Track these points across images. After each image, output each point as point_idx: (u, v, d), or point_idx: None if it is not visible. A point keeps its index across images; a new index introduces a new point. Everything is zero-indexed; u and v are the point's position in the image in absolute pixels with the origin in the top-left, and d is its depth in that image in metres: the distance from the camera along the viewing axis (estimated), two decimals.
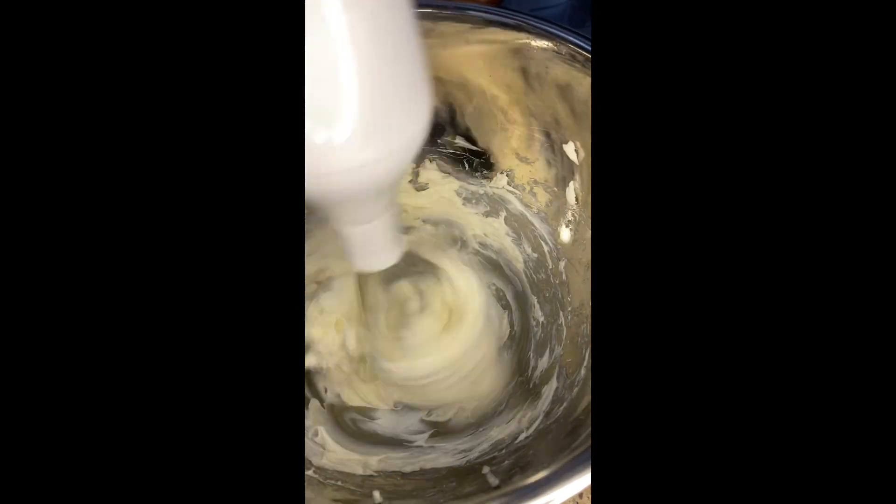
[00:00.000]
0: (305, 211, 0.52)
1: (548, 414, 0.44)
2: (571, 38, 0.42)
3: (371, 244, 0.31)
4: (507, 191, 0.53)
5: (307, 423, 0.45)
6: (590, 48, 0.42)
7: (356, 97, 0.22)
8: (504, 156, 0.52)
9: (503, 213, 0.54)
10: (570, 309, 0.49)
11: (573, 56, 0.42)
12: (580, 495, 0.31)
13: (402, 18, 0.23)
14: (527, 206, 0.53)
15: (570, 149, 0.47)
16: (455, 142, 0.52)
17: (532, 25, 0.43)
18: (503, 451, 0.42)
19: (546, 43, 0.43)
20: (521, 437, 0.43)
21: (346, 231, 0.29)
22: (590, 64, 0.42)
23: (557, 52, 0.43)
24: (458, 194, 0.55)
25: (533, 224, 0.53)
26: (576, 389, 0.43)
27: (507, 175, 0.53)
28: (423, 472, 0.42)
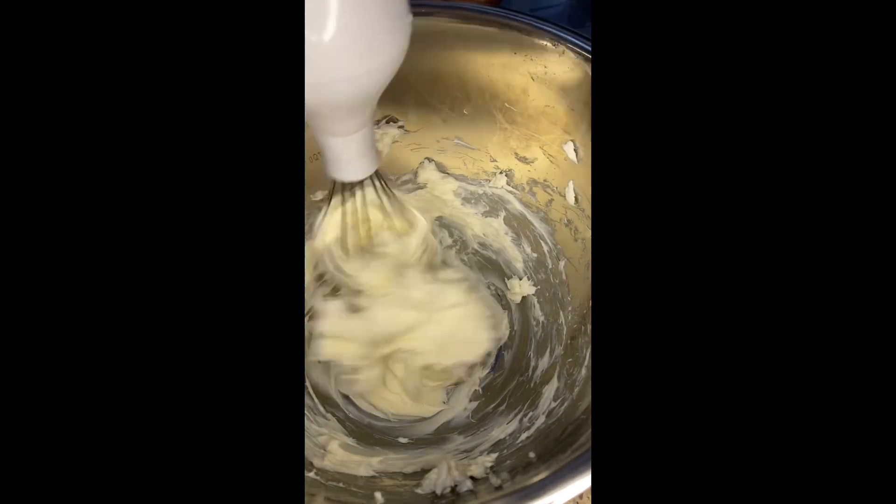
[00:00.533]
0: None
1: (548, 414, 0.44)
2: (571, 38, 0.42)
3: (350, 155, 0.34)
4: (507, 191, 0.53)
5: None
6: (589, 48, 0.41)
7: (345, 12, 0.25)
8: (503, 156, 0.52)
9: (502, 213, 0.54)
10: (570, 309, 0.49)
11: (573, 56, 0.42)
12: (580, 496, 0.31)
13: None
14: (526, 205, 0.53)
15: (569, 148, 0.47)
16: None
17: (532, 25, 0.43)
18: (504, 451, 0.42)
19: (546, 43, 0.43)
20: (523, 437, 0.43)
21: (328, 141, 0.33)
22: (589, 64, 0.42)
23: (557, 52, 0.43)
24: (457, 194, 0.55)
25: (532, 224, 0.53)
26: (576, 389, 0.43)
27: (506, 175, 0.53)
28: (424, 472, 0.42)
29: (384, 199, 0.43)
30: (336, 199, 0.43)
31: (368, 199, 0.43)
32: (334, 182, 0.40)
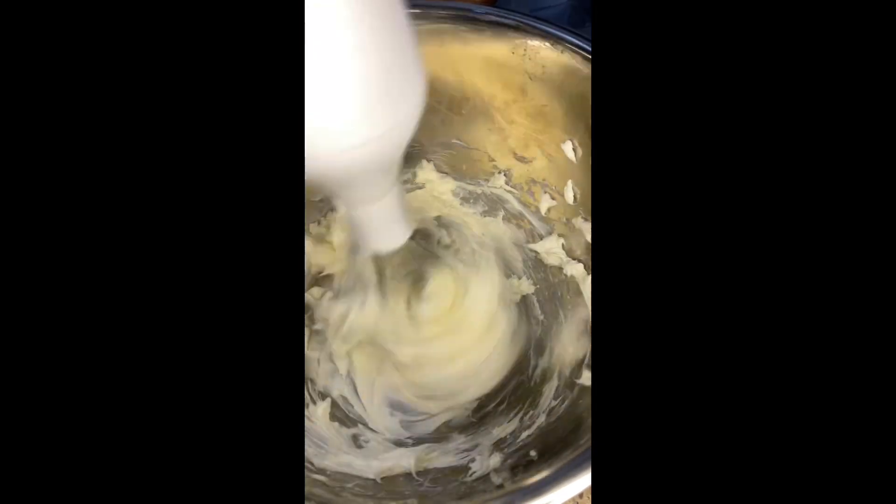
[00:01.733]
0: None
1: (549, 412, 0.44)
2: (571, 39, 0.42)
3: (381, 222, 0.32)
4: (505, 190, 0.53)
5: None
6: (589, 48, 0.42)
7: (354, 77, 0.23)
8: (502, 155, 0.52)
9: (501, 213, 0.54)
10: (570, 307, 0.49)
11: (573, 56, 0.42)
12: (580, 495, 0.31)
13: (394, 14, 0.24)
14: (525, 205, 0.53)
15: (567, 148, 0.47)
16: None
17: (532, 25, 0.43)
18: (505, 450, 0.42)
19: (545, 43, 0.43)
20: (523, 436, 0.43)
21: (357, 212, 0.30)
22: (588, 63, 0.42)
23: (557, 53, 0.43)
24: (456, 194, 0.55)
25: (531, 223, 0.53)
26: (577, 388, 0.43)
27: (504, 175, 0.53)
28: (426, 472, 0.42)
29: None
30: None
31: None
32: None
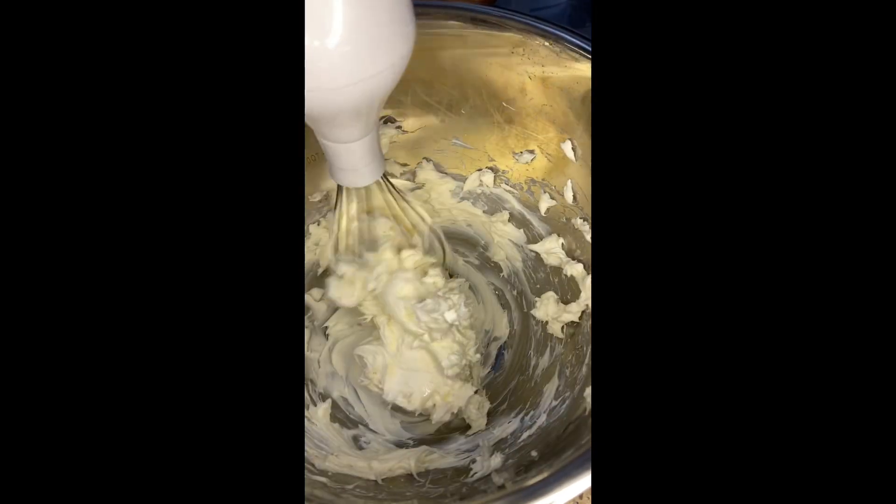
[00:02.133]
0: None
1: (550, 412, 0.44)
2: (571, 39, 0.42)
3: (356, 161, 0.33)
4: (505, 190, 0.53)
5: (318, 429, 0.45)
6: (589, 48, 0.42)
7: (346, 21, 0.24)
8: (501, 155, 0.52)
9: (501, 213, 0.54)
10: (570, 307, 0.49)
11: (572, 56, 0.42)
12: (580, 496, 0.31)
13: None
14: (525, 204, 0.53)
15: (567, 147, 0.47)
16: None
17: (532, 25, 0.43)
18: (506, 450, 0.42)
19: (545, 43, 0.43)
20: (524, 436, 0.43)
21: (333, 148, 0.32)
22: (587, 63, 0.42)
23: (556, 52, 0.43)
24: (455, 194, 0.55)
25: (531, 223, 0.53)
26: (577, 388, 0.43)
27: (504, 174, 0.53)
28: (427, 473, 0.42)
29: (393, 201, 0.43)
30: (342, 203, 0.42)
31: (375, 204, 0.42)
32: (339, 186, 0.40)
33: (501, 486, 0.37)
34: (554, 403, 0.45)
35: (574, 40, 0.42)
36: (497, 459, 0.41)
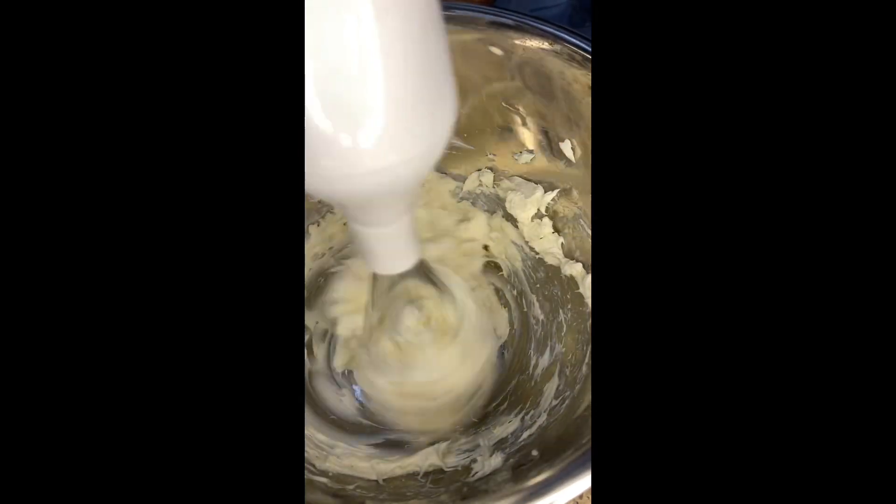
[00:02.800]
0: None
1: (550, 412, 0.44)
2: (571, 39, 0.42)
3: (388, 247, 0.30)
4: (506, 186, 0.53)
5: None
6: (589, 48, 0.42)
7: (384, 96, 0.21)
8: (501, 155, 0.52)
9: (500, 212, 0.54)
10: (569, 307, 0.49)
11: (572, 56, 0.42)
12: (580, 496, 0.31)
13: (431, 12, 0.22)
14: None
15: (566, 147, 0.47)
16: None
17: (532, 25, 0.43)
18: (506, 449, 0.42)
19: (545, 43, 0.43)
20: (525, 435, 0.43)
21: (364, 232, 0.28)
22: (588, 63, 0.42)
23: (556, 53, 0.43)
24: (454, 194, 0.55)
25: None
26: (577, 387, 0.44)
27: (504, 174, 0.53)
28: (428, 473, 0.42)
29: (429, 288, 0.40)
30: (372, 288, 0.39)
31: (408, 290, 0.40)
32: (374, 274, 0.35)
33: (502, 486, 0.37)
34: (554, 403, 0.45)
35: (574, 40, 0.42)
36: (497, 459, 0.41)
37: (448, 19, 0.44)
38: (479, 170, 0.54)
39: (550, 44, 0.43)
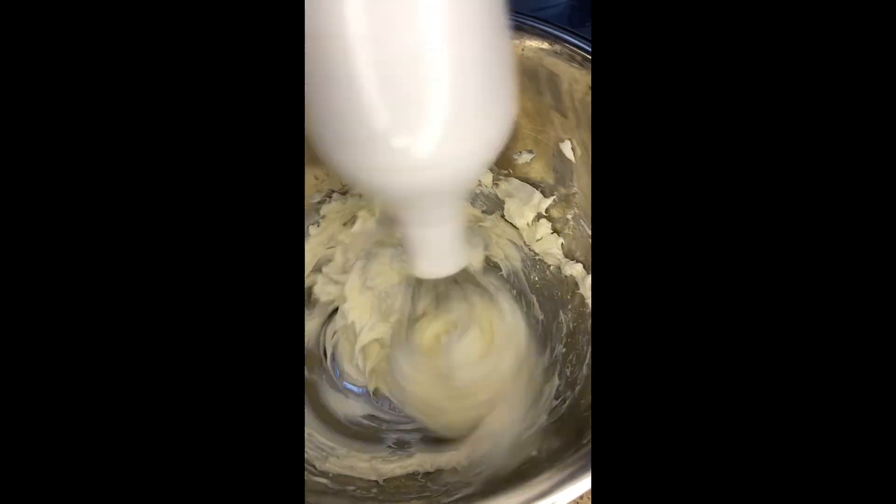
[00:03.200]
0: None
1: (550, 413, 0.44)
2: (571, 38, 0.42)
3: (435, 249, 0.29)
4: (504, 190, 0.53)
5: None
6: (589, 48, 0.42)
7: (447, 88, 0.20)
8: (500, 155, 0.52)
9: (499, 212, 0.54)
10: (570, 307, 0.49)
11: (572, 56, 0.42)
12: (580, 497, 0.31)
13: (495, 13, 0.21)
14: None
15: (566, 147, 0.47)
16: None
17: (532, 25, 0.43)
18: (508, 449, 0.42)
19: (545, 43, 0.43)
20: (525, 435, 0.43)
21: (412, 233, 0.28)
22: (588, 63, 0.42)
23: (556, 53, 0.43)
24: None
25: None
26: (578, 388, 0.44)
27: (503, 174, 0.53)
28: (429, 473, 0.42)
29: (474, 298, 0.39)
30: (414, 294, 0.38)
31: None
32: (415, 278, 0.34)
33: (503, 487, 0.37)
34: (554, 403, 0.45)
35: (574, 40, 0.42)
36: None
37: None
38: None
39: (550, 44, 0.43)
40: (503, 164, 0.52)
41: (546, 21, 0.43)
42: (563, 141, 0.47)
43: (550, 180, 0.50)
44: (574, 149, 0.47)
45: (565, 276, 0.50)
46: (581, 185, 0.48)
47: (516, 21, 0.43)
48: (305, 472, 0.39)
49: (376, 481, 0.41)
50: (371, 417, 0.50)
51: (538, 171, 0.50)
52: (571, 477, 0.31)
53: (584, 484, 0.31)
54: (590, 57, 0.41)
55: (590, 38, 0.42)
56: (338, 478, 0.40)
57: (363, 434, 0.48)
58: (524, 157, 0.50)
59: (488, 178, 0.53)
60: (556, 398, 0.45)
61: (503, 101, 0.23)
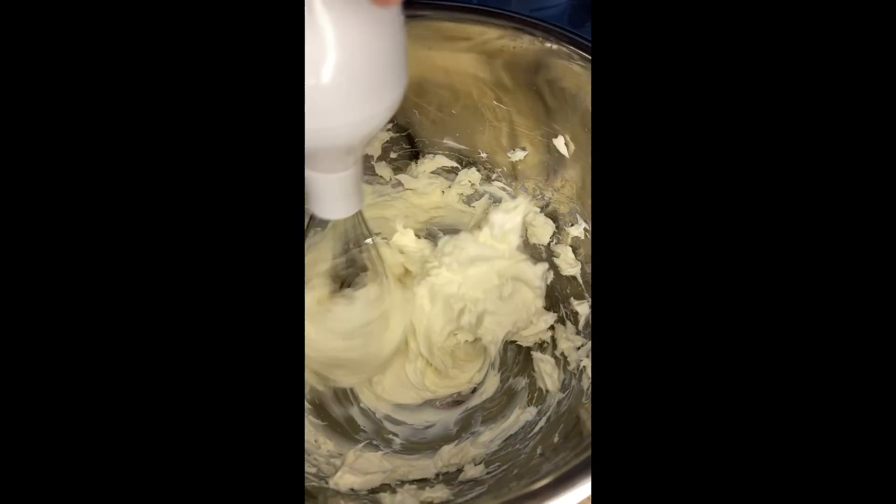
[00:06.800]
0: None
1: (550, 413, 0.44)
2: (571, 38, 0.42)
3: (334, 193, 0.35)
4: (499, 188, 0.53)
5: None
6: (589, 46, 0.41)
7: (346, 59, 0.26)
8: (494, 153, 0.52)
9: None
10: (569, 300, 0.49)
11: (571, 56, 0.42)
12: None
13: (387, 16, 0.27)
14: None
15: (559, 143, 0.47)
16: None
17: (532, 25, 0.42)
18: (513, 448, 0.42)
19: (545, 43, 0.43)
20: (531, 433, 0.43)
21: (315, 177, 0.33)
22: (580, 58, 0.42)
23: (556, 53, 0.43)
24: (447, 193, 0.55)
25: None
26: (578, 388, 0.43)
27: (497, 171, 0.52)
28: (439, 476, 0.42)
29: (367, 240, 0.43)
30: (311, 234, 0.42)
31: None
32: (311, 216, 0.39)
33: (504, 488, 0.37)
34: (555, 404, 0.45)
35: (574, 39, 0.42)
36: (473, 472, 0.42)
37: (437, 19, 0.44)
38: (468, 168, 0.53)
39: (550, 44, 0.42)
40: (498, 162, 0.52)
41: (546, 21, 0.43)
42: (556, 136, 0.47)
43: (545, 176, 0.50)
44: (567, 144, 0.47)
45: (565, 277, 0.50)
46: (575, 179, 0.47)
47: (516, 21, 0.43)
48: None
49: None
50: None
51: (533, 166, 0.50)
52: (571, 482, 0.31)
53: (584, 489, 0.31)
54: (589, 56, 0.41)
55: (590, 38, 0.41)
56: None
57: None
58: (518, 154, 0.50)
59: (475, 176, 0.53)
60: (556, 398, 0.45)
61: (396, 76, 0.29)
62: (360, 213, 0.39)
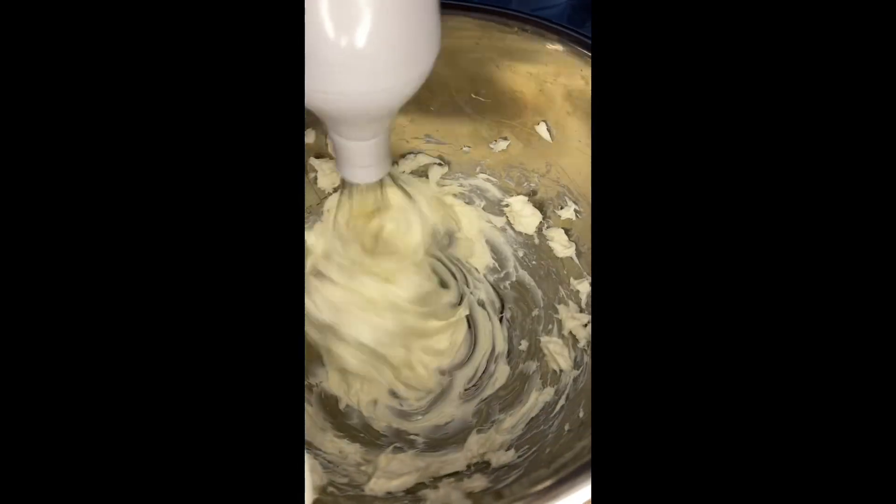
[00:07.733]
0: None
1: (550, 413, 0.45)
2: (571, 37, 0.42)
3: (362, 159, 0.36)
4: (483, 179, 0.54)
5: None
6: (589, 47, 0.42)
7: (387, 33, 0.27)
8: (476, 146, 0.52)
9: (482, 203, 0.55)
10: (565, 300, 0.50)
11: (568, 53, 0.43)
12: None
13: None
14: (505, 191, 0.53)
15: (542, 129, 0.48)
16: None
17: (532, 24, 0.43)
18: (539, 430, 0.43)
19: (545, 43, 0.43)
20: (553, 413, 0.44)
21: (344, 144, 0.34)
22: (556, 45, 0.43)
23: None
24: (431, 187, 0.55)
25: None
26: (577, 388, 0.45)
27: (480, 164, 0.53)
28: (471, 467, 0.43)
29: (399, 197, 0.46)
30: (344, 197, 0.44)
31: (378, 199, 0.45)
32: (342, 183, 0.42)
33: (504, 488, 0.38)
34: (571, 381, 0.46)
35: (572, 34, 0.42)
36: (511, 454, 0.42)
37: (444, 17, 0.44)
38: (455, 163, 0.53)
39: (550, 43, 0.43)
40: (480, 154, 0.52)
41: (546, 20, 0.43)
42: (537, 123, 0.47)
43: (529, 163, 0.50)
44: (550, 129, 0.47)
45: (560, 259, 0.51)
46: (562, 165, 0.48)
47: (516, 20, 0.43)
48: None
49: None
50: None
51: (515, 156, 0.51)
52: (572, 485, 0.31)
53: (584, 492, 0.30)
54: (590, 56, 0.42)
55: (590, 38, 0.42)
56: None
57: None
58: (500, 145, 0.51)
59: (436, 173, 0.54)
60: (556, 398, 0.46)
61: (428, 47, 0.29)
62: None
